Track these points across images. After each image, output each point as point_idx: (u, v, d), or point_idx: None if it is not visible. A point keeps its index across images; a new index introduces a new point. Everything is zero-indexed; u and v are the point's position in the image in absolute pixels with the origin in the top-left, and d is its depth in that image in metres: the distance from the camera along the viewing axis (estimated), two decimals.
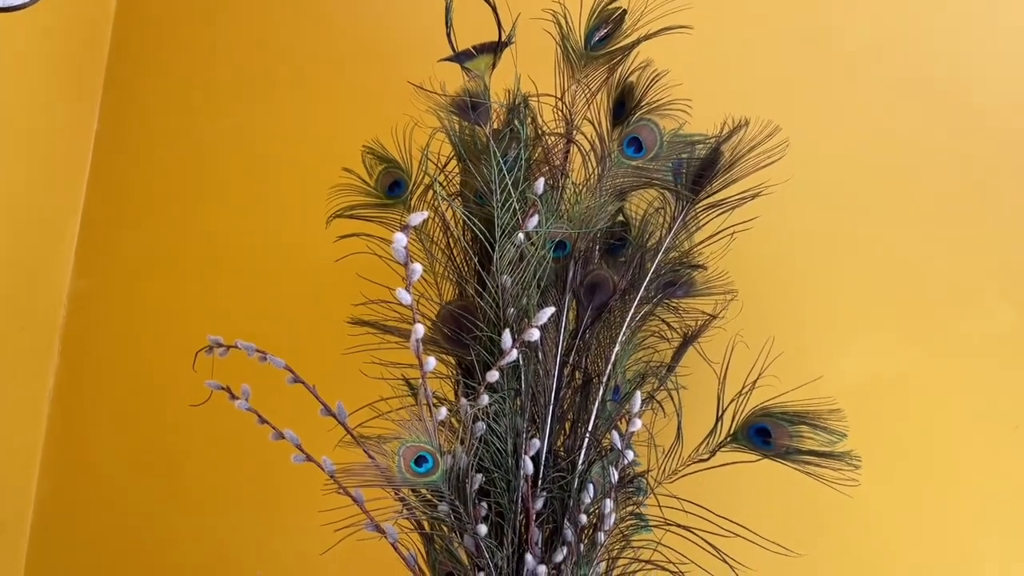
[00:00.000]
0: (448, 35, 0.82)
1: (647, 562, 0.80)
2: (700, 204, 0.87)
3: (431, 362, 0.77)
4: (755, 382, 0.80)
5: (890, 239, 0.93)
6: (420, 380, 0.78)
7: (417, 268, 0.73)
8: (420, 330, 0.75)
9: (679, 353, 0.89)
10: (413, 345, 0.76)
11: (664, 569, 0.79)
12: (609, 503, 0.80)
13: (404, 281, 0.75)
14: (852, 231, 0.94)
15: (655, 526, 0.82)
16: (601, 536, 0.80)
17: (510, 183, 0.84)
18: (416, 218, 0.72)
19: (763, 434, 0.78)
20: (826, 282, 0.94)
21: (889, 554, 0.88)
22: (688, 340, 0.89)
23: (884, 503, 0.86)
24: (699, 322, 0.89)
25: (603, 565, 0.82)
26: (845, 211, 0.95)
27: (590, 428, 0.85)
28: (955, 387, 0.89)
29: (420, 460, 0.76)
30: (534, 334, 0.77)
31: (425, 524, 0.84)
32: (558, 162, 0.90)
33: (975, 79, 0.94)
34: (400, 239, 0.71)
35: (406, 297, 0.74)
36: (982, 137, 0.93)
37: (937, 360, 0.89)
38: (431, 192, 0.91)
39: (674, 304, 0.91)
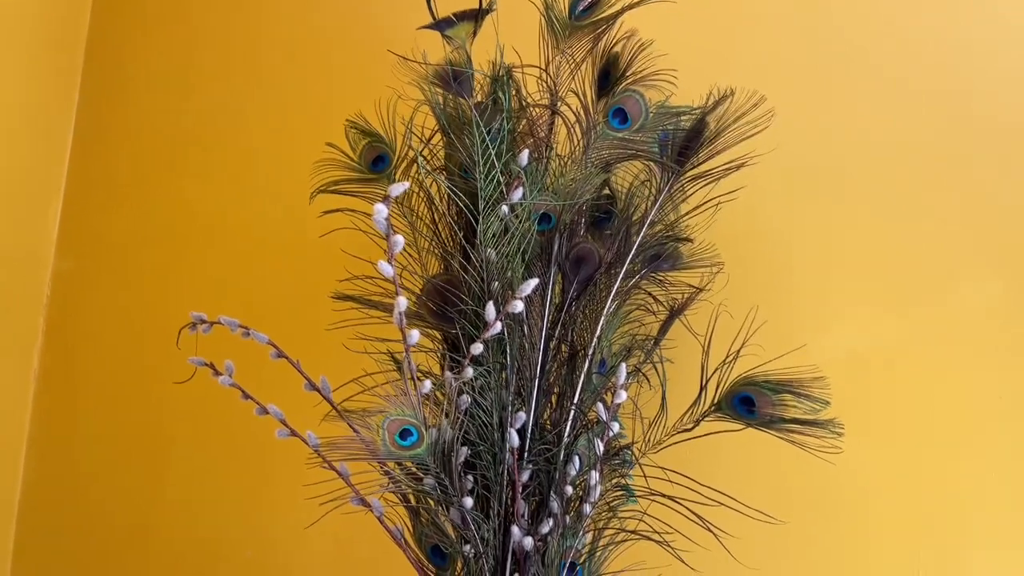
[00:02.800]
0: (428, 1, 0.81)
1: (632, 532, 0.80)
2: (686, 176, 0.86)
3: (415, 335, 0.76)
4: (739, 351, 0.80)
5: (877, 210, 0.93)
6: (404, 354, 0.78)
7: (399, 240, 0.73)
8: (403, 303, 0.75)
9: (665, 326, 0.88)
10: (396, 318, 0.76)
11: (649, 539, 0.79)
12: (595, 475, 0.80)
13: (387, 255, 0.75)
14: (838, 202, 0.94)
15: (640, 497, 0.82)
16: (587, 507, 0.80)
17: (494, 155, 0.84)
18: (396, 189, 0.72)
19: (747, 403, 0.78)
20: (812, 253, 0.94)
21: (872, 522, 0.88)
22: (674, 313, 0.89)
23: (868, 471, 0.87)
24: (685, 295, 0.89)
25: (589, 536, 0.82)
26: (831, 182, 0.94)
27: (576, 401, 0.85)
28: (940, 359, 0.89)
29: (405, 434, 0.76)
30: (518, 306, 0.76)
31: (411, 498, 0.84)
32: (543, 134, 0.89)
33: (967, 52, 0.94)
34: (381, 210, 0.70)
35: (388, 269, 0.73)
36: (972, 111, 0.93)
37: (922, 331, 0.90)
38: (415, 166, 0.91)
39: (660, 277, 0.91)
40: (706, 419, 0.79)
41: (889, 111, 0.94)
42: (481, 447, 0.83)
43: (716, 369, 0.79)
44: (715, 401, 0.79)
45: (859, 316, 0.90)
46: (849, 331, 0.90)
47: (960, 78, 0.93)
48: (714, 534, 0.76)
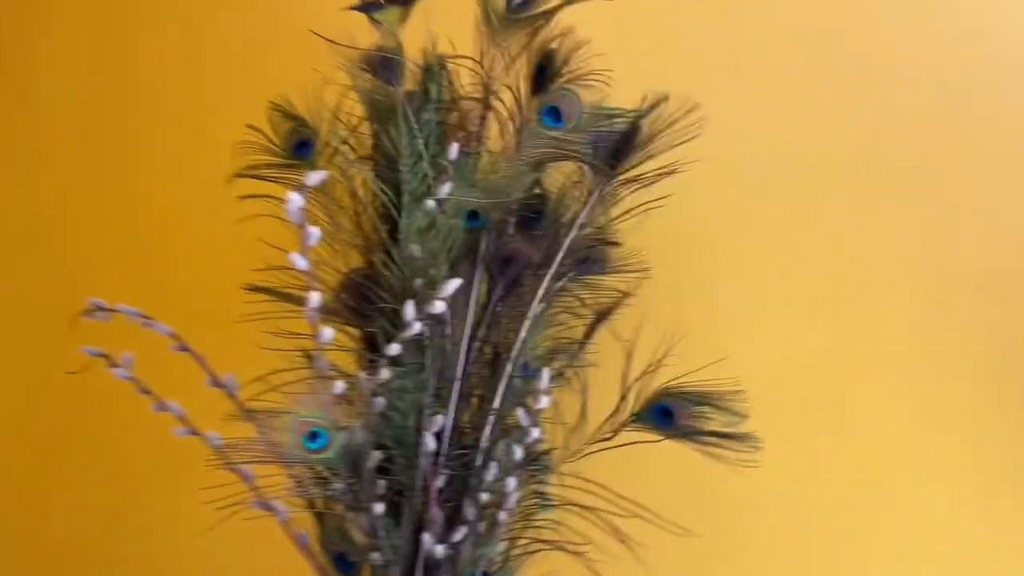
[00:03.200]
0: None
1: (546, 541, 0.79)
2: (617, 179, 0.85)
3: (328, 333, 0.73)
4: (660, 361, 0.79)
5: (804, 222, 0.93)
6: (317, 352, 0.74)
7: (314, 232, 0.69)
8: (316, 298, 0.71)
9: (591, 330, 0.87)
10: (308, 314, 0.72)
11: (563, 549, 0.77)
12: (512, 481, 0.79)
13: (302, 246, 0.71)
14: (766, 213, 0.94)
15: (557, 505, 0.80)
16: (502, 515, 0.78)
17: (422, 146, 0.81)
18: (313, 177, 0.68)
19: (666, 414, 0.78)
20: (738, 263, 0.94)
21: (788, 536, 0.89)
22: (600, 317, 0.88)
23: (786, 486, 0.87)
24: (612, 299, 0.87)
25: (503, 544, 0.80)
26: (760, 192, 0.94)
27: (496, 405, 0.83)
28: (861, 374, 0.90)
29: (314, 436, 0.72)
30: (439, 306, 0.74)
31: (318, 503, 0.80)
32: (474, 128, 0.87)
33: (903, 64, 0.94)
34: (294, 199, 0.67)
35: (300, 262, 0.69)
36: (904, 125, 0.93)
37: (844, 347, 0.90)
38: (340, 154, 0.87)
39: (588, 280, 0.89)
40: (626, 429, 0.78)
41: (824, 125, 0.95)
42: (396, 451, 0.80)
43: (637, 379, 0.78)
44: (635, 411, 0.78)
45: (785, 327, 0.91)
46: (774, 342, 0.90)
47: (900, 96, 0.93)
48: (629, 546, 0.75)
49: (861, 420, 0.89)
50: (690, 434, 0.76)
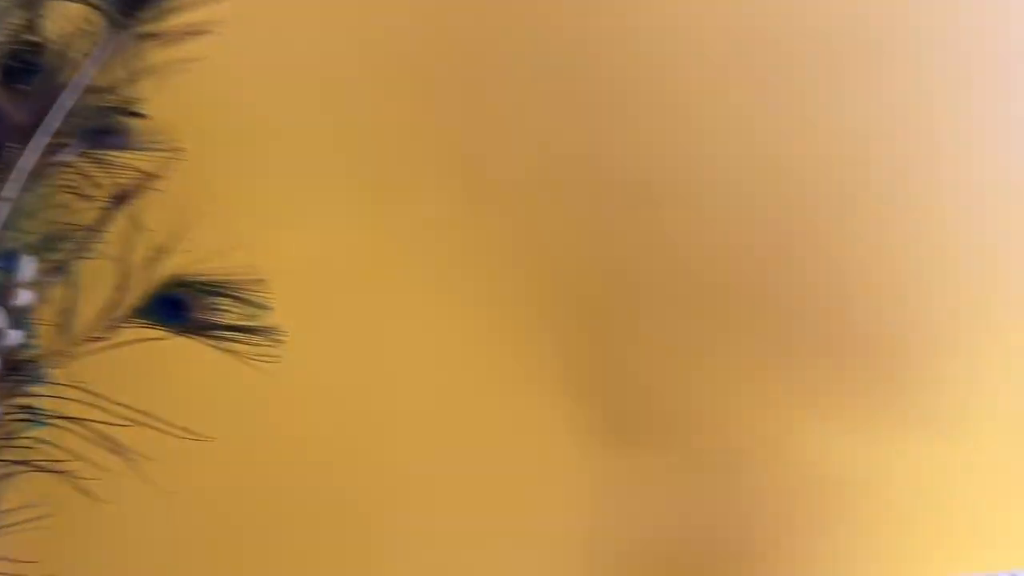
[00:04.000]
0: None
1: (24, 463, 0.65)
2: (135, 33, 0.71)
3: None
4: (172, 247, 0.69)
5: (353, 110, 0.89)
6: None
7: None
8: None
9: (103, 216, 0.73)
10: None
11: (47, 470, 0.65)
12: None
13: None
14: (312, 90, 0.87)
15: (44, 420, 0.67)
16: None
17: None
18: None
19: (178, 306, 0.69)
20: (276, 145, 0.87)
21: (313, 433, 0.87)
22: (117, 200, 0.74)
23: (312, 383, 0.85)
24: (132, 180, 0.74)
25: None
26: (307, 66, 0.87)
27: None
28: (396, 271, 0.90)
29: None
30: None
31: None
32: None
33: None
34: None
35: None
36: (510, 19, 0.91)
37: (381, 244, 0.90)
38: None
39: (105, 156, 0.75)
40: (126, 325, 0.67)
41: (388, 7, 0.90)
42: None
43: (141, 268, 0.67)
44: (136, 304, 0.68)
45: (323, 218, 0.87)
46: (308, 232, 0.86)
47: None
48: (127, 459, 0.66)
49: (393, 318, 0.90)
50: (205, 329, 0.68)
